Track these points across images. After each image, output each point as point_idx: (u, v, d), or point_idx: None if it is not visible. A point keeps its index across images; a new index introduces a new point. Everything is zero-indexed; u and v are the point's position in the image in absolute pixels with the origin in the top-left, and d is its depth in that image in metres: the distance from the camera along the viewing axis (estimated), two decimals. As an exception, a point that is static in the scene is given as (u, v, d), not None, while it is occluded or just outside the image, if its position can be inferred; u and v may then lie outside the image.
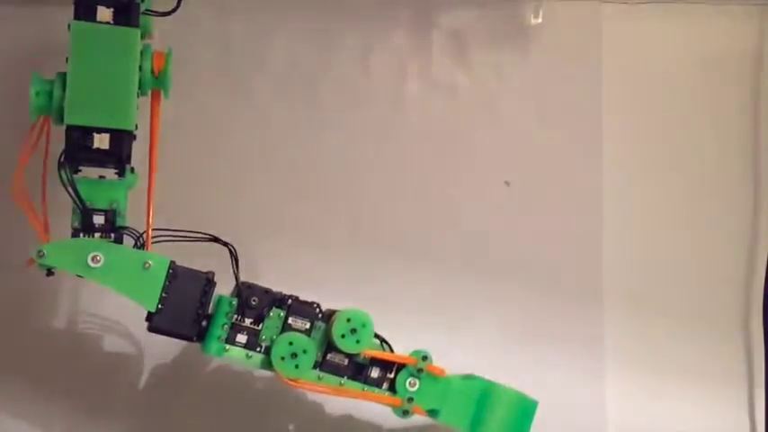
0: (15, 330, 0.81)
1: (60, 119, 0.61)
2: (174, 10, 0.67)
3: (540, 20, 0.88)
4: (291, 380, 0.66)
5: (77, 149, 0.61)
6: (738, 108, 0.89)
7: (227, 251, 0.66)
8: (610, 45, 0.88)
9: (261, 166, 0.83)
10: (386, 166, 0.85)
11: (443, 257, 0.85)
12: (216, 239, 0.66)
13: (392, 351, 0.69)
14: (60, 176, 0.62)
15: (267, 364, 0.66)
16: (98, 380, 0.81)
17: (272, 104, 0.84)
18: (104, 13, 0.62)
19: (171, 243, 0.65)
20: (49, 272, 0.65)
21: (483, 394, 0.70)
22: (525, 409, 0.72)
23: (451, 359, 0.84)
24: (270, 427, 0.82)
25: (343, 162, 0.85)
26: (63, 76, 0.61)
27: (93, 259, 0.62)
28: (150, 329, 0.65)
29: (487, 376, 0.85)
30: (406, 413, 0.68)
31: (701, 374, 0.87)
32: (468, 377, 0.72)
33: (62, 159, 0.62)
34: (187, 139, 0.80)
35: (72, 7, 0.62)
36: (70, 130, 0.61)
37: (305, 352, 0.65)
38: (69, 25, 0.61)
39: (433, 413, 0.69)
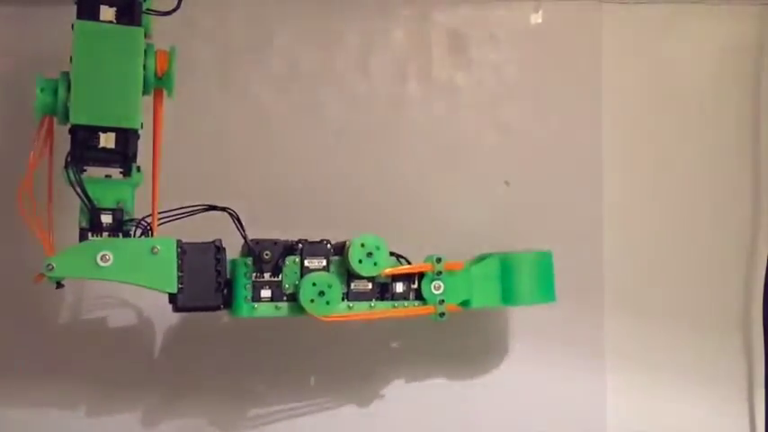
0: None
1: (66, 118, 0.61)
2: (174, 10, 0.67)
3: (540, 20, 0.88)
4: (325, 317, 0.67)
5: (83, 149, 0.61)
6: (738, 108, 0.90)
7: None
8: (610, 45, 0.88)
9: (260, 166, 0.83)
10: (386, 166, 0.85)
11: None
12: (213, 207, 0.66)
13: (410, 263, 0.71)
14: (68, 176, 0.61)
15: (297, 310, 0.67)
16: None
17: (272, 104, 0.84)
18: (107, 13, 0.62)
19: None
20: (59, 284, 0.64)
21: (502, 267, 0.73)
22: (544, 263, 0.75)
23: (451, 359, 0.85)
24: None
25: (342, 161, 0.84)
26: (67, 75, 0.61)
27: (102, 258, 0.61)
28: (176, 310, 0.65)
29: (487, 376, 0.86)
30: (442, 315, 0.70)
31: (701, 374, 0.88)
32: (483, 258, 0.74)
33: (68, 159, 0.61)
34: (187, 139, 0.80)
35: (73, 7, 0.62)
36: (76, 129, 0.61)
37: (330, 287, 0.67)
38: (73, 25, 0.61)
39: (465, 304, 0.72)
